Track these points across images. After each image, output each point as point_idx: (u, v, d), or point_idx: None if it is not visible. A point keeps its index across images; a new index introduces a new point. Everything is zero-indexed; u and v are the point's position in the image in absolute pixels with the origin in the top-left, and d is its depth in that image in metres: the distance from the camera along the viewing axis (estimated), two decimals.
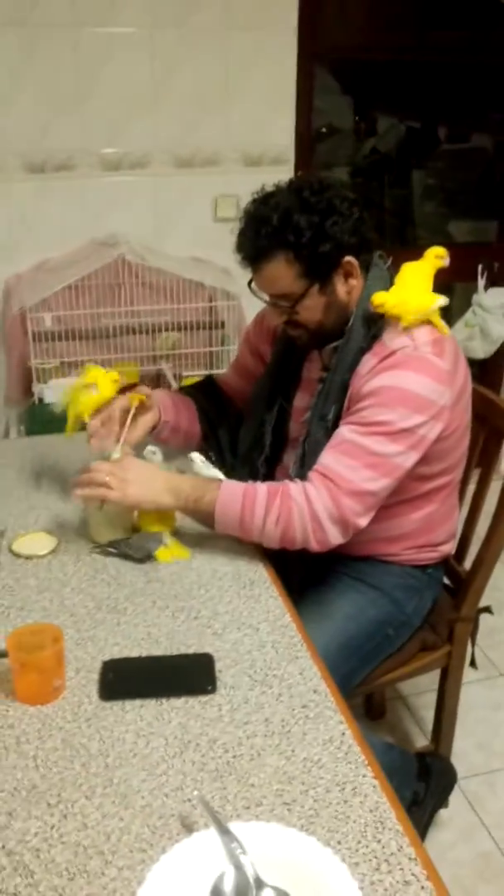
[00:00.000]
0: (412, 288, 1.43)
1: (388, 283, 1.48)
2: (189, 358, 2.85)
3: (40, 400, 2.57)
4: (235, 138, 2.82)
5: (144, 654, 1.23)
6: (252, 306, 1.68)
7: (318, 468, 1.42)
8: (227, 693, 1.15)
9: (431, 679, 1.86)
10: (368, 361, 1.44)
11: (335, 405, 1.49)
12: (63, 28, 2.54)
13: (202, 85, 2.73)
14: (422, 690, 2.31)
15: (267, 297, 1.53)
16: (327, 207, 1.41)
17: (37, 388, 2.61)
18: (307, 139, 2.97)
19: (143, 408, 1.63)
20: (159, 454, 1.57)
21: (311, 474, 1.43)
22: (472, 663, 1.84)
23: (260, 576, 1.43)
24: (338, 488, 1.39)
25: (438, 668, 1.80)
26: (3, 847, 0.91)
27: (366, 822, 0.94)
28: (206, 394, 1.83)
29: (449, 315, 3.19)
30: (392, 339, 1.42)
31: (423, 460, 1.45)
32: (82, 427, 1.60)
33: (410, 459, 1.41)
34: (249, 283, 1.53)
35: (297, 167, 2.93)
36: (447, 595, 1.77)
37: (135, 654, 1.23)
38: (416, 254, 1.50)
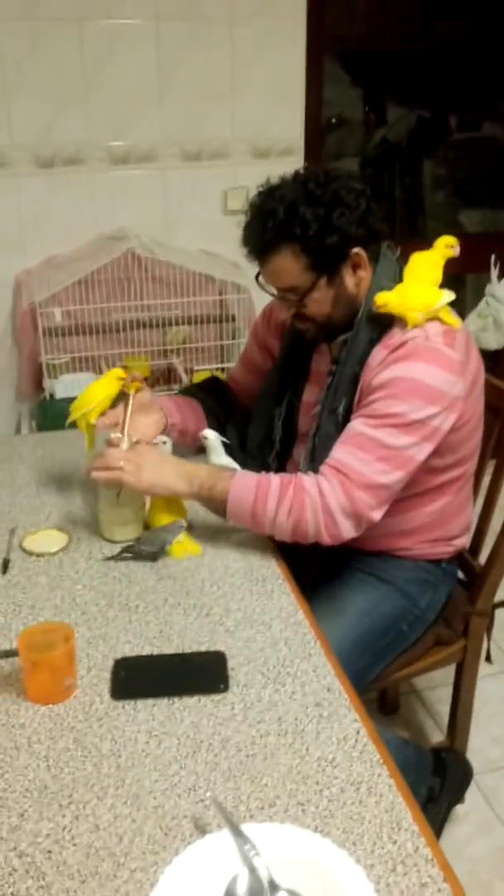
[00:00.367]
0: (416, 285, 1.41)
1: (397, 274, 1.47)
2: (200, 352, 2.84)
3: (51, 395, 2.57)
4: (244, 130, 2.81)
5: (156, 651, 1.22)
6: (262, 299, 1.67)
7: (330, 462, 1.41)
8: (239, 691, 1.14)
9: (446, 673, 1.84)
10: (379, 353, 1.42)
11: (346, 398, 1.48)
12: (68, 22, 2.53)
13: (209, 76, 2.71)
14: (436, 684, 2.30)
15: (275, 291, 1.51)
16: (333, 199, 1.39)
17: (48, 383, 2.60)
18: (317, 130, 2.95)
19: (143, 400, 1.61)
20: (169, 444, 1.59)
21: (324, 468, 1.41)
22: (488, 658, 1.82)
23: (272, 572, 1.42)
24: (351, 482, 1.37)
25: (453, 662, 1.78)
26: (15, 848, 0.90)
27: (381, 823, 0.93)
28: (211, 392, 1.82)
29: (462, 306, 3.17)
30: (403, 330, 1.40)
31: (437, 452, 1.43)
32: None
33: (424, 451, 1.40)
34: (257, 277, 1.52)
35: (307, 158, 2.91)
36: (462, 589, 1.76)
37: (146, 651, 1.22)
38: (426, 244, 1.48)
